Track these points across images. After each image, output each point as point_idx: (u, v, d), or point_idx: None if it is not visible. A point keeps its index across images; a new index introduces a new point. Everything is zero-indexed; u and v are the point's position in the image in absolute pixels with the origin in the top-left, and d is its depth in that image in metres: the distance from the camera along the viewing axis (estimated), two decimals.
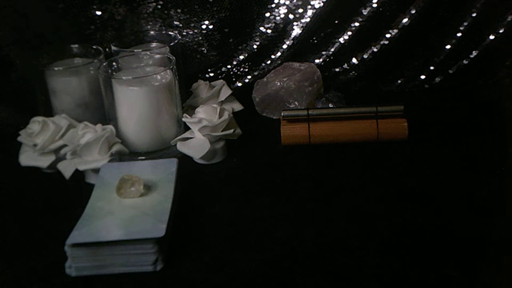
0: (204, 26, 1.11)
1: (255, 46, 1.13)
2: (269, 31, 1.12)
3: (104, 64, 0.93)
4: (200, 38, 1.12)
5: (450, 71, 1.12)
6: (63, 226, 0.71)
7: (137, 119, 0.90)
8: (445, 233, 0.73)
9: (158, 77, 0.91)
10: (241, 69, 1.14)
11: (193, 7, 1.10)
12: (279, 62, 1.12)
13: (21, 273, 0.70)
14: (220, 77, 1.13)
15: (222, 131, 0.91)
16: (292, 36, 1.12)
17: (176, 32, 1.09)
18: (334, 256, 0.70)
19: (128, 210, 0.73)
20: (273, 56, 1.13)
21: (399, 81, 1.13)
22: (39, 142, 0.88)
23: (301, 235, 0.74)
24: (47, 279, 0.69)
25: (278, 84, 1.02)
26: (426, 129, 0.97)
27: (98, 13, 1.08)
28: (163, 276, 0.68)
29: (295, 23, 1.11)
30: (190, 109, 1.00)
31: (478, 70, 1.11)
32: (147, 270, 0.69)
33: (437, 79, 1.13)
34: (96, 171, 0.84)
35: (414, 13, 1.08)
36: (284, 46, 1.12)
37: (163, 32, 1.07)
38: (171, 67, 0.91)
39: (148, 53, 0.97)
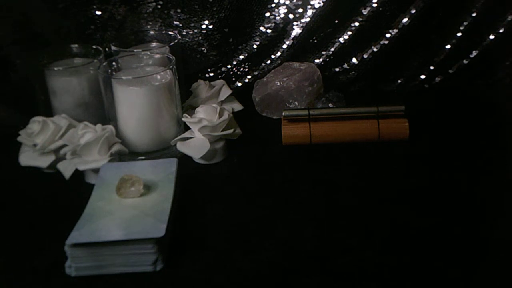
0: (204, 26, 1.11)
1: (255, 46, 1.13)
2: (269, 31, 1.12)
3: (104, 64, 0.93)
4: (200, 38, 1.12)
5: (450, 71, 1.12)
6: (63, 226, 0.71)
7: (137, 119, 0.90)
8: (445, 233, 0.73)
9: (158, 77, 0.91)
10: (241, 69, 1.14)
11: (193, 7, 1.10)
12: (279, 62, 1.12)
13: (21, 273, 0.70)
14: (220, 77, 1.13)
15: (222, 131, 0.91)
16: (292, 36, 1.12)
17: (176, 32, 1.09)
18: (334, 256, 0.70)
19: (128, 210, 0.73)
20: (273, 56, 1.13)
21: (399, 81, 1.13)
22: (39, 142, 0.88)
23: (301, 235, 0.74)
24: (47, 279, 0.69)
25: (278, 84, 1.02)
26: (426, 129, 0.97)
27: (98, 13, 1.08)
28: (163, 276, 0.68)
29: (295, 23, 1.11)
30: (190, 109, 1.00)
31: (478, 70, 1.11)
32: (147, 270, 0.68)
33: (437, 79, 1.13)
34: (96, 171, 0.84)
35: (414, 13, 1.08)
36: (284, 46, 1.12)
37: (163, 32, 1.07)
38: (171, 67, 0.91)
39: (148, 53, 0.97)
